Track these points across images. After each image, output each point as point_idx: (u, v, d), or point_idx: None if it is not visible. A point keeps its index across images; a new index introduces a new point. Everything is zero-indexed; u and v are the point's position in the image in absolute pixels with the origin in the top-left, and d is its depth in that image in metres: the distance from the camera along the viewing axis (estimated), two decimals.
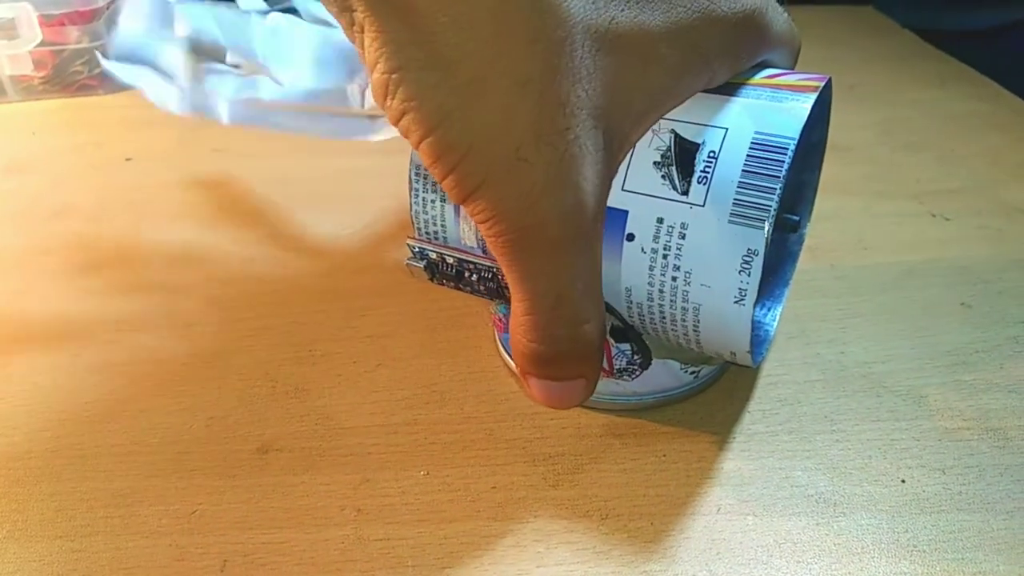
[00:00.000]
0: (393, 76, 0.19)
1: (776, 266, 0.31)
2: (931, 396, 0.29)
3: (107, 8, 0.56)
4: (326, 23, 0.31)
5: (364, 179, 0.44)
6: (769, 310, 0.30)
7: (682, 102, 0.22)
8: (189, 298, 0.35)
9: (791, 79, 0.23)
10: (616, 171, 0.22)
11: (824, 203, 0.40)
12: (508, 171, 0.19)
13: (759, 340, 0.29)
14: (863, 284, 0.35)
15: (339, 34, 0.28)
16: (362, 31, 0.19)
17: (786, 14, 0.24)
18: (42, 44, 0.55)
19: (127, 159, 0.47)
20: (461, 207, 0.25)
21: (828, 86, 0.24)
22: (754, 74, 0.24)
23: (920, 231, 0.39)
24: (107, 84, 0.57)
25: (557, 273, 0.21)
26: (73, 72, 0.57)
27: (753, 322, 0.30)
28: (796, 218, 0.29)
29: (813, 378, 0.30)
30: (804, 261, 0.36)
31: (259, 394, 0.30)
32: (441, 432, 0.28)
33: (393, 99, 0.19)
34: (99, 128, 0.52)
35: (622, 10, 0.20)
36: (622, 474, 0.26)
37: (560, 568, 0.24)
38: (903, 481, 0.26)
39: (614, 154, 0.21)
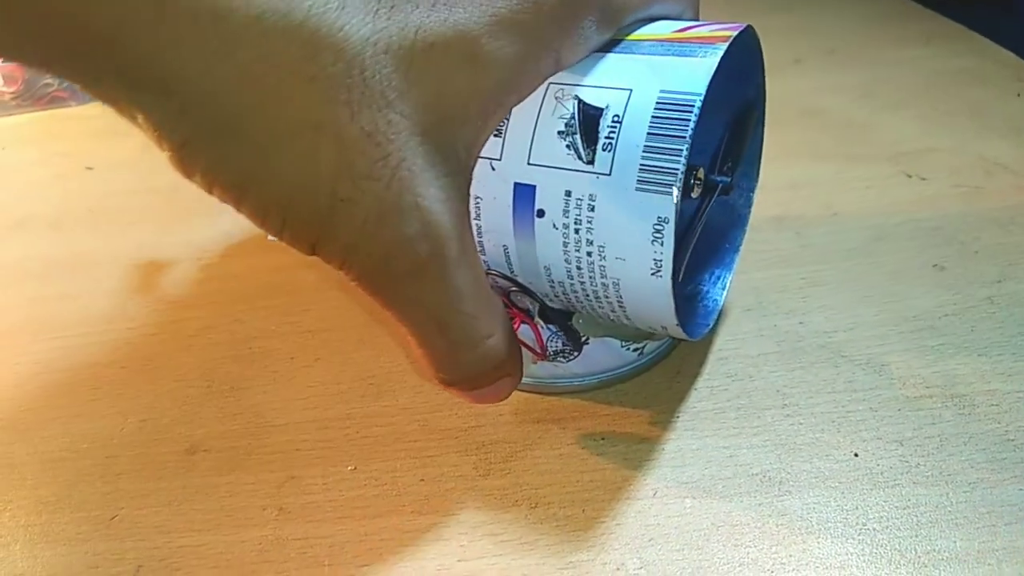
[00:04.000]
0: (184, 152, 0.18)
1: (723, 231, 0.29)
2: (893, 364, 0.27)
3: None
4: None
5: None
6: (719, 279, 0.28)
7: (532, 90, 0.21)
8: (136, 302, 0.35)
9: (702, 31, 0.22)
10: (471, 179, 0.20)
11: (793, 169, 0.39)
12: (336, 215, 0.18)
13: (706, 311, 0.27)
14: (829, 251, 0.33)
15: None
16: (135, 120, 0.18)
17: None
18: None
19: (88, 168, 0.47)
20: None
21: (747, 35, 0.23)
22: (663, 30, 0.22)
23: (893, 193, 0.36)
24: (78, 96, 0.57)
25: (428, 301, 0.20)
26: (44, 85, 0.56)
27: (700, 293, 0.28)
28: (726, 179, 0.27)
29: (767, 351, 0.28)
30: (767, 230, 0.34)
31: (194, 394, 0.29)
32: (374, 425, 0.27)
33: (195, 175, 0.18)
34: (67, 139, 0.52)
35: (428, 16, 0.18)
36: (557, 460, 0.25)
37: (482, 561, 0.22)
38: (856, 455, 0.24)
39: (463, 163, 0.20)
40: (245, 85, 0.17)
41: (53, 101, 0.57)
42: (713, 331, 0.29)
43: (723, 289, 0.28)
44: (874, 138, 0.41)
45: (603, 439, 0.26)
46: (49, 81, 0.57)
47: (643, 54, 0.21)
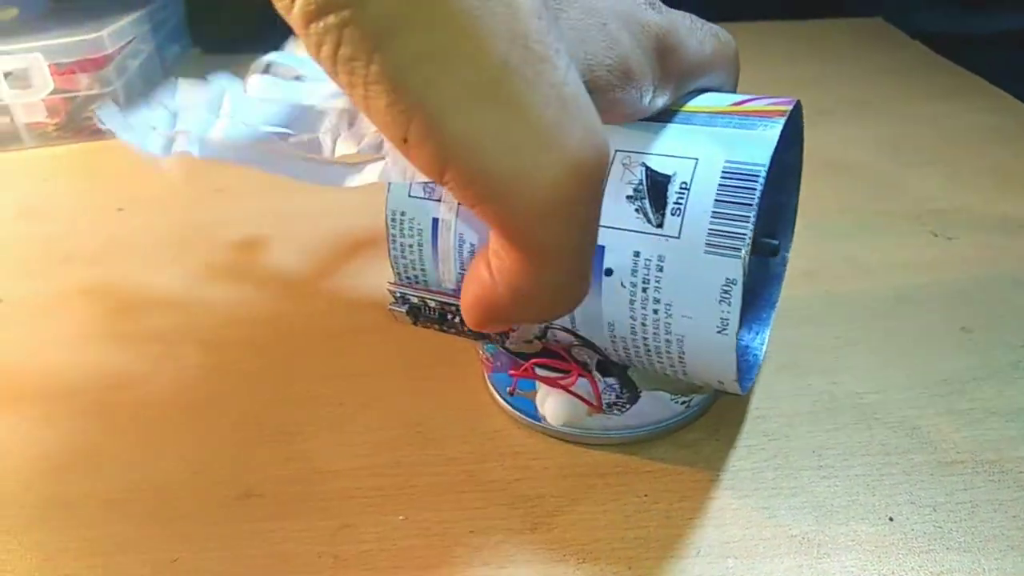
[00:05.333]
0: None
1: (761, 289, 0.30)
2: (924, 427, 0.28)
3: (117, 54, 0.58)
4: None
5: (351, 217, 0.44)
6: (757, 334, 0.29)
7: (630, 109, 0.21)
8: (181, 344, 0.36)
9: (758, 105, 0.23)
10: None
11: (823, 223, 0.40)
12: (508, 99, 0.15)
13: (748, 366, 0.28)
14: (858, 310, 0.34)
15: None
16: None
17: (713, 32, 0.23)
18: (54, 92, 0.56)
19: (119, 209, 0.48)
20: (439, 250, 0.25)
21: (797, 109, 0.24)
22: (719, 102, 0.23)
23: (920, 252, 0.38)
24: None
25: (592, 229, 0.18)
26: (86, 118, 0.58)
27: (740, 348, 0.29)
28: (775, 242, 0.29)
29: (802, 410, 0.29)
30: (799, 287, 0.35)
31: (246, 438, 0.30)
32: (422, 474, 0.28)
33: (324, 22, 0.15)
34: (108, 173, 0.53)
35: None
36: (602, 516, 0.26)
37: None
38: (891, 519, 0.25)
39: None
40: None
41: (94, 133, 0.58)
42: (750, 388, 0.30)
43: (762, 344, 0.29)
44: (900, 194, 0.42)
45: (646, 496, 0.27)
46: (90, 114, 0.58)
47: (704, 125, 0.23)
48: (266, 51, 0.26)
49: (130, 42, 0.61)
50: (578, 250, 0.18)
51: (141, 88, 0.63)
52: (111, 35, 0.56)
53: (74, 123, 0.58)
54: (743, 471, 0.27)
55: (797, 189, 0.29)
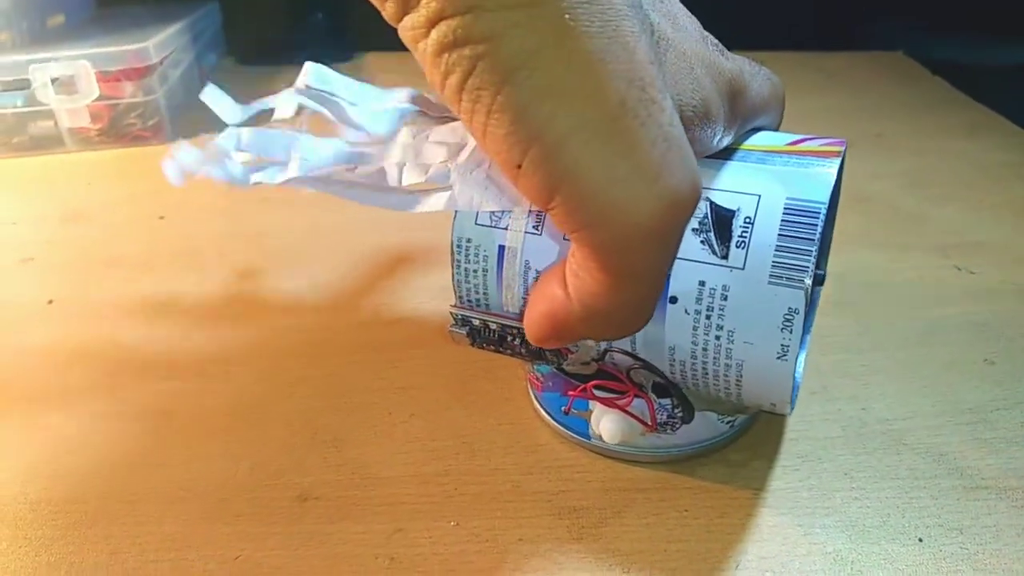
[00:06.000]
0: (460, 23, 0.16)
1: None
2: (951, 454, 0.30)
3: (160, 64, 0.60)
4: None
5: (402, 231, 0.46)
6: (796, 358, 0.31)
7: (701, 146, 0.23)
8: (231, 348, 0.37)
9: (812, 145, 0.25)
10: None
11: (850, 255, 0.41)
12: (620, 137, 0.17)
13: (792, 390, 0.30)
14: (886, 340, 0.36)
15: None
16: None
17: (768, 76, 0.25)
18: (99, 98, 0.58)
19: (160, 217, 0.50)
20: (503, 276, 0.27)
21: (844, 151, 0.26)
22: (775, 142, 0.25)
23: (944, 285, 0.39)
24: (160, 135, 0.60)
25: (667, 257, 0.19)
26: (128, 124, 0.60)
27: None
28: (823, 272, 0.31)
29: (834, 435, 0.31)
30: (828, 315, 0.37)
31: (299, 443, 0.32)
32: (470, 483, 0.30)
33: (459, 53, 0.16)
34: (150, 179, 0.55)
35: (660, 23, 0.20)
36: (644, 529, 0.27)
37: None
38: (920, 540, 0.26)
39: None
40: None
41: (136, 140, 0.60)
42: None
43: (801, 366, 0.30)
44: (924, 228, 0.44)
45: (686, 511, 0.28)
46: (133, 120, 0.60)
47: (762, 163, 0.24)
48: (298, 61, 0.27)
49: (172, 52, 0.62)
50: (659, 275, 0.20)
51: (181, 97, 0.64)
52: (156, 45, 0.58)
53: (116, 129, 0.60)
54: (780, 490, 0.29)
55: (833, 223, 0.31)
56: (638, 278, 0.19)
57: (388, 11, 0.17)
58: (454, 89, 0.17)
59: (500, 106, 0.16)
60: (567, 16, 0.16)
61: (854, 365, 0.34)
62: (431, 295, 0.41)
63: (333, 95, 0.34)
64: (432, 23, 0.16)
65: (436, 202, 0.25)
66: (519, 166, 0.17)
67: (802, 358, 0.31)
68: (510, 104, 0.16)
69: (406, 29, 0.17)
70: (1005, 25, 0.65)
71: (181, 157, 0.25)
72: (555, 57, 0.16)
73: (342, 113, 0.28)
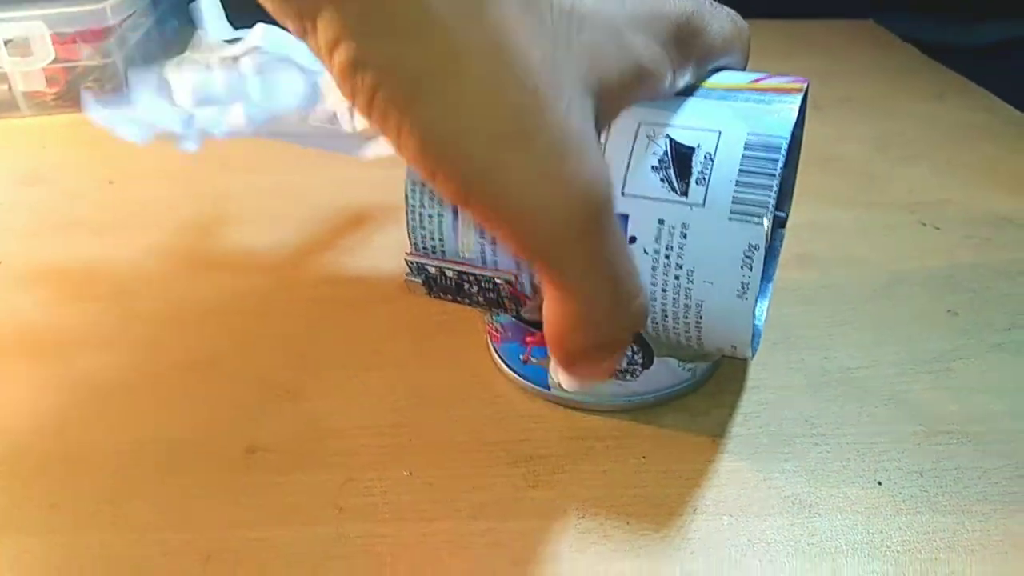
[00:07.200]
0: (356, 49, 0.17)
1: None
2: (913, 401, 0.29)
3: (119, 27, 0.58)
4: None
5: (362, 190, 0.45)
6: (756, 305, 0.30)
7: (650, 97, 0.23)
8: (185, 308, 0.36)
9: (774, 83, 0.24)
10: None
11: (816, 213, 0.41)
12: (512, 146, 0.17)
13: (753, 335, 0.29)
14: (850, 293, 0.35)
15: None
16: (313, 21, 0.17)
17: (730, 16, 0.24)
18: (55, 61, 0.56)
19: (111, 181, 0.49)
20: (460, 217, 0.26)
21: (807, 89, 0.25)
22: (737, 79, 0.24)
23: (909, 241, 0.39)
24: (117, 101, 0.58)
25: (604, 251, 0.19)
26: (85, 88, 0.58)
27: None
28: (783, 214, 0.30)
29: (796, 383, 0.30)
30: (793, 270, 0.36)
31: (251, 398, 0.31)
32: (426, 434, 0.29)
33: (362, 78, 0.17)
34: (106, 144, 0.53)
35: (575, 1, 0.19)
36: (601, 476, 0.27)
37: (534, 566, 0.24)
38: (880, 483, 0.26)
39: (598, 130, 0.20)
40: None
41: None
42: (746, 362, 0.31)
43: (762, 315, 0.30)
44: (890, 188, 0.44)
45: (644, 458, 0.27)
46: (90, 84, 0.58)
47: (724, 100, 0.24)
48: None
49: (131, 15, 0.61)
50: (607, 274, 0.20)
51: (140, 62, 0.63)
52: (114, 7, 0.56)
53: (73, 93, 0.58)
54: (739, 436, 0.28)
55: (796, 165, 0.30)
56: (578, 281, 0.20)
57: (292, 31, 0.18)
58: (363, 108, 0.18)
59: (408, 125, 0.17)
60: (453, 35, 0.17)
61: (818, 317, 0.34)
62: (392, 253, 0.40)
63: (287, 58, 0.33)
64: (331, 48, 0.17)
65: (387, 146, 0.24)
66: (433, 175, 0.18)
67: (764, 306, 0.30)
68: (416, 123, 0.17)
69: (312, 49, 0.18)
70: (977, 4, 0.65)
71: (95, 113, 0.24)
72: (448, 76, 0.17)
73: (294, 63, 0.27)
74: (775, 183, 0.22)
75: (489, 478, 0.27)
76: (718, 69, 0.25)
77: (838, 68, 0.60)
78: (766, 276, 0.31)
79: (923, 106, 0.53)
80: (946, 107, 0.53)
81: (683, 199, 0.23)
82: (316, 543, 0.25)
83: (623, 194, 0.23)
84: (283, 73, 0.31)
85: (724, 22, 0.24)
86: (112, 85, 0.58)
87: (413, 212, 0.26)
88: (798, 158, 0.30)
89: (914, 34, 0.65)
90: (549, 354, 0.28)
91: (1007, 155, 0.46)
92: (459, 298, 0.27)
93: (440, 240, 0.26)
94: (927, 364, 0.31)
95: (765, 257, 0.31)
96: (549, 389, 0.29)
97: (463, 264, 0.26)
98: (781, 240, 0.31)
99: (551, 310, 0.21)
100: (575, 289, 0.20)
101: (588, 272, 0.20)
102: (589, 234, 0.19)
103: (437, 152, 0.18)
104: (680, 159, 0.23)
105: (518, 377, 0.30)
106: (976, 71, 0.57)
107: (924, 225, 0.40)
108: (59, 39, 0.56)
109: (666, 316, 0.25)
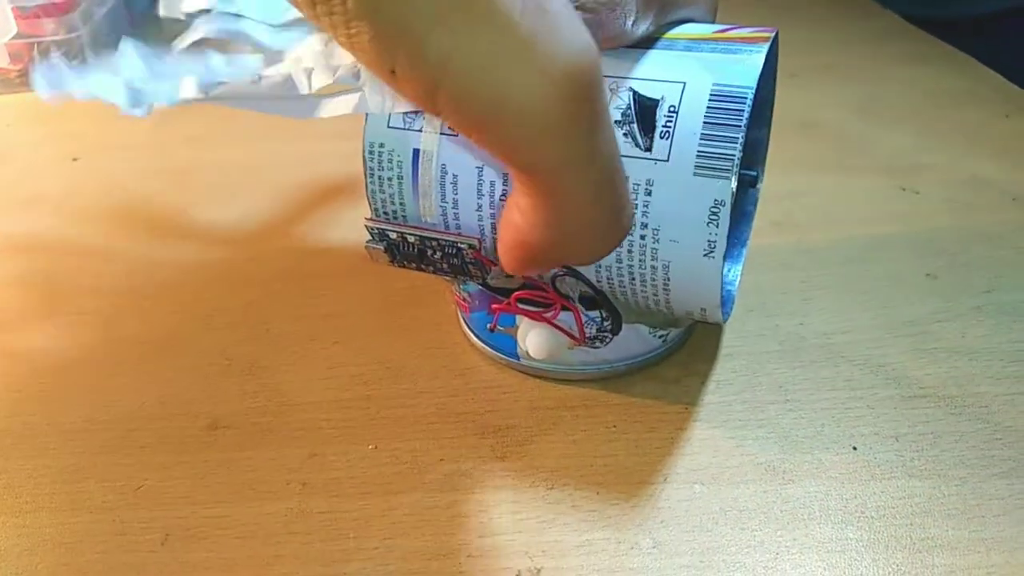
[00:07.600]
0: None
1: (733, 226, 0.30)
2: (889, 365, 0.29)
3: (83, 0, 0.56)
4: None
5: (331, 164, 0.44)
6: (729, 270, 0.29)
7: (609, 35, 0.21)
8: (145, 282, 0.35)
9: (741, 32, 0.23)
10: None
11: (794, 178, 0.40)
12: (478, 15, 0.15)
13: (724, 299, 0.29)
14: (828, 257, 0.35)
15: None
16: None
17: None
18: (17, 36, 0.55)
19: (75, 159, 0.47)
20: (419, 183, 0.25)
21: (776, 38, 0.24)
22: (702, 30, 0.24)
23: (888, 204, 0.38)
24: None
25: (602, 150, 0.17)
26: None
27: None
28: (753, 173, 0.29)
29: (770, 349, 0.30)
30: (769, 236, 0.36)
31: (213, 372, 0.30)
32: (393, 407, 0.28)
33: None
34: (72, 120, 0.52)
35: None
36: (571, 445, 0.26)
37: (502, 538, 0.23)
38: (855, 448, 0.26)
39: None
40: None
41: None
42: (719, 329, 0.31)
43: (736, 279, 0.29)
44: (870, 152, 0.43)
45: (614, 427, 0.27)
46: (56, 63, 0.57)
47: (688, 51, 0.23)
48: None
49: None
50: (592, 176, 0.17)
51: (106, 39, 0.61)
52: None
53: None
54: (712, 404, 0.27)
55: (769, 124, 0.29)
56: (562, 181, 0.17)
57: None
58: (308, 7, 0.15)
59: (354, 12, 0.15)
60: None
61: (793, 282, 0.33)
62: (361, 227, 0.39)
63: (240, 15, 0.32)
64: None
65: (344, 105, 0.23)
66: (393, 72, 0.16)
67: (738, 270, 0.29)
68: (362, 7, 0.15)
69: None
70: None
71: (47, 73, 0.22)
72: None
73: (249, 38, 0.26)
74: (741, 135, 0.21)
75: (456, 449, 0.26)
76: (682, 22, 0.24)
77: (818, 35, 0.59)
78: (740, 240, 0.30)
79: (904, 71, 0.52)
80: (927, 73, 0.52)
81: (647, 155, 0.22)
82: (278, 519, 0.24)
83: None
84: (238, 41, 0.29)
85: None
86: (78, 62, 0.57)
87: (372, 175, 0.26)
88: (771, 118, 0.29)
89: (902, 8, 0.64)
90: (511, 306, 0.27)
91: (990, 119, 0.45)
92: (423, 265, 0.26)
93: (401, 204, 0.25)
94: (904, 328, 0.30)
95: (739, 220, 0.31)
96: (518, 359, 0.29)
97: (425, 229, 0.25)
98: (755, 203, 0.31)
99: (520, 215, 0.18)
100: (557, 189, 0.17)
101: (573, 168, 0.17)
102: (577, 118, 0.16)
103: (391, 38, 0.15)
104: (643, 113, 0.22)
105: (487, 347, 0.30)
106: (956, 38, 0.56)
107: (904, 189, 0.39)
108: (21, 13, 0.54)
109: (633, 279, 0.24)
